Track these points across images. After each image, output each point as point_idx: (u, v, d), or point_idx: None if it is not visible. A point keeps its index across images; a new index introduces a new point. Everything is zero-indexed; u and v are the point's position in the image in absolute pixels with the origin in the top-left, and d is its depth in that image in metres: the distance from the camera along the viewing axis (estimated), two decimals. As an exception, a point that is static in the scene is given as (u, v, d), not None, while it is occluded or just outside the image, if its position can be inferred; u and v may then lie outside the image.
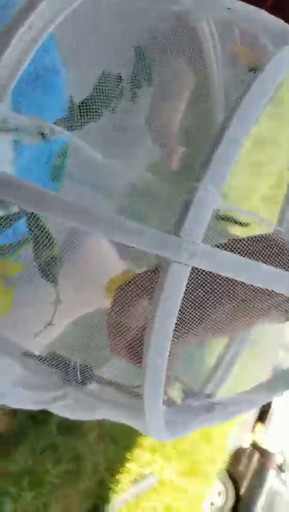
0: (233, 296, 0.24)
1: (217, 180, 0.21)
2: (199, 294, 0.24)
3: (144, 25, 0.42)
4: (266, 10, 0.34)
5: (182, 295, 0.22)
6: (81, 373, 0.41)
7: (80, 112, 0.43)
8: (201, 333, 0.26)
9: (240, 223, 0.38)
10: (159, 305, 0.23)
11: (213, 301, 0.25)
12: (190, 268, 0.22)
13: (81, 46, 0.43)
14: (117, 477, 1.55)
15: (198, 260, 0.22)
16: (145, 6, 0.40)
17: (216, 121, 0.45)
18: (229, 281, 0.24)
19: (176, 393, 0.37)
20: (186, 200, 0.22)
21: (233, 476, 2.33)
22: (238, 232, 0.40)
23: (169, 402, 0.35)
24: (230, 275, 0.22)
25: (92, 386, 0.42)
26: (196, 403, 0.36)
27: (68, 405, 0.41)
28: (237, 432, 2.35)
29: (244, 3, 0.31)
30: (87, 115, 0.42)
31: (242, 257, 0.22)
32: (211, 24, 0.40)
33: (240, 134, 0.21)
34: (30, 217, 0.42)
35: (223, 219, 0.35)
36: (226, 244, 0.23)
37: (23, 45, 0.25)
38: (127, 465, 1.62)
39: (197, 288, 0.24)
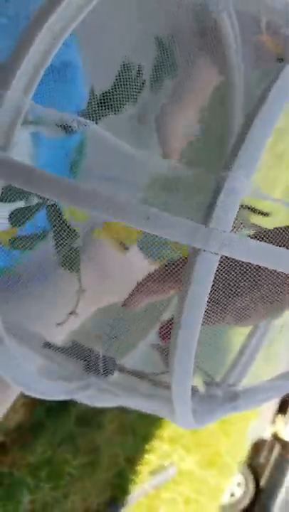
0: (262, 283, 0.25)
1: (247, 167, 0.21)
2: (227, 282, 0.24)
3: (165, 17, 0.42)
4: None
5: (211, 283, 0.23)
6: (103, 363, 0.42)
7: (101, 104, 0.43)
8: (228, 320, 0.27)
9: (262, 213, 0.38)
10: (188, 294, 0.23)
11: (242, 289, 0.25)
12: (219, 257, 0.22)
13: (101, 39, 0.43)
14: (136, 468, 1.56)
15: (228, 249, 0.22)
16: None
17: (237, 114, 0.45)
18: (258, 269, 0.24)
19: (198, 382, 0.37)
20: (216, 189, 0.22)
21: (253, 468, 2.34)
22: (258, 221, 0.40)
23: (193, 391, 0.35)
24: (259, 263, 0.22)
25: (115, 376, 0.42)
26: (220, 392, 0.36)
27: (91, 395, 0.42)
28: (257, 423, 2.35)
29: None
30: (108, 107, 0.42)
31: (271, 245, 0.22)
32: (232, 16, 0.39)
33: (270, 122, 0.21)
34: (51, 209, 0.43)
35: (245, 208, 0.35)
36: (253, 234, 0.23)
37: (48, 40, 0.26)
38: (146, 456, 1.63)
39: (225, 276, 0.24)
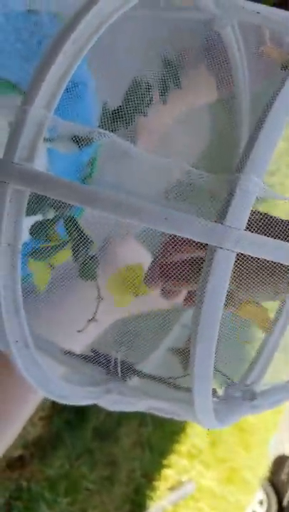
0: (277, 280, 0.26)
1: (258, 168, 0.23)
2: (244, 278, 0.25)
3: (170, 33, 0.44)
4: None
5: (229, 280, 0.24)
6: (122, 368, 0.43)
7: (113, 119, 0.45)
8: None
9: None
10: (206, 292, 0.24)
11: (257, 285, 0.26)
12: (235, 254, 0.23)
13: (109, 57, 0.45)
14: (153, 484, 1.54)
15: (243, 246, 0.23)
16: (171, 15, 0.42)
17: (244, 121, 0.46)
18: (273, 265, 0.25)
19: (217, 385, 0.38)
20: (230, 190, 0.23)
21: (275, 485, 2.28)
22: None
23: (213, 393, 0.36)
24: (274, 259, 0.23)
25: (134, 380, 0.43)
26: (238, 393, 0.37)
27: (111, 399, 0.43)
28: (279, 438, 2.31)
29: (269, 6, 0.33)
30: (120, 122, 0.44)
31: (285, 242, 0.23)
32: (236, 29, 0.41)
33: (278, 125, 0.23)
34: (68, 220, 0.45)
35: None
36: (267, 229, 0.25)
37: (67, 60, 0.27)
38: (164, 471, 1.61)
39: (241, 273, 0.25)
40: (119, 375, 0.43)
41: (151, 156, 0.25)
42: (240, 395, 0.36)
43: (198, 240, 0.23)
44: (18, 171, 0.26)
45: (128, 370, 0.43)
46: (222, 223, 0.23)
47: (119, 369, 0.43)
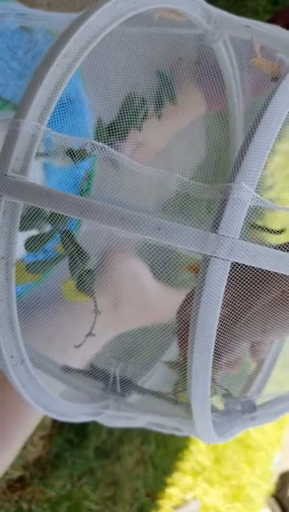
0: (272, 288, 0.25)
1: (250, 177, 0.23)
2: (238, 288, 0.25)
3: (164, 50, 0.44)
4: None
5: (223, 290, 0.24)
6: (121, 384, 0.42)
7: (108, 133, 0.45)
8: (242, 328, 0.27)
9: (273, 231, 0.39)
10: (201, 302, 0.24)
11: (253, 294, 0.26)
12: (230, 263, 0.23)
13: (104, 71, 0.46)
14: (158, 503, 1.51)
15: (238, 255, 0.23)
16: (164, 31, 0.43)
17: (238, 133, 0.47)
18: (268, 274, 0.25)
19: (217, 399, 0.37)
20: (222, 199, 0.23)
21: (280, 501, 2.24)
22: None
23: (212, 407, 0.35)
24: (269, 268, 0.23)
25: (133, 396, 0.42)
26: (238, 407, 0.36)
27: (110, 415, 0.42)
28: (283, 455, 2.27)
29: (259, 21, 0.33)
30: (115, 135, 0.45)
31: (279, 251, 0.23)
32: (228, 43, 0.42)
33: (268, 136, 0.23)
34: (65, 234, 0.45)
35: (256, 228, 0.36)
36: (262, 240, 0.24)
37: (58, 73, 0.28)
38: (168, 490, 1.59)
39: (235, 282, 0.25)
40: (118, 391, 0.42)
41: (145, 167, 0.25)
42: (240, 408, 0.36)
43: (191, 249, 0.23)
44: (11, 184, 0.26)
45: (127, 385, 0.42)
46: (215, 232, 0.23)
47: (118, 385, 0.42)
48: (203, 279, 0.23)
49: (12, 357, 0.31)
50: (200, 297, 0.24)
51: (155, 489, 1.51)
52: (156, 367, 0.46)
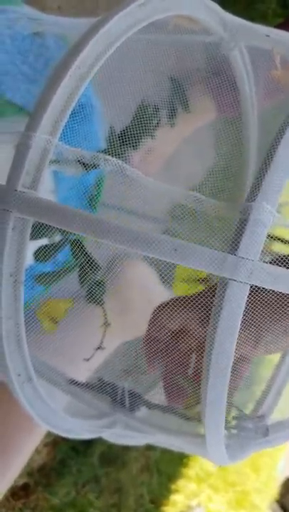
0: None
1: (271, 198, 0.22)
2: (257, 311, 0.24)
3: (178, 57, 0.43)
4: None
5: (242, 314, 0.22)
6: (130, 398, 0.41)
7: (121, 141, 0.44)
8: (259, 349, 0.26)
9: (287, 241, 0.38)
10: (218, 325, 0.23)
11: (272, 318, 0.25)
12: (249, 286, 0.22)
13: (117, 78, 0.45)
14: (162, 509, 1.50)
15: (258, 278, 0.22)
16: (179, 38, 0.42)
17: (252, 147, 0.45)
18: (287, 297, 0.24)
19: (228, 416, 0.36)
20: (242, 219, 0.22)
21: (285, 507, 2.23)
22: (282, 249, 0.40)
23: (225, 425, 0.34)
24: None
25: (142, 411, 0.41)
26: (250, 425, 0.35)
27: (117, 433, 0.41)
28: (287, 461, 2.26)
29: (279, 30, 0.32)
30: (127, 143, 0.44)
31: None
32: (244, 52, 0.41)
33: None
34: (75, 244, 0.44)
35: (273, 238, 0.35)
36: (279, 260, 0.23)
37: (72, 85, 0.27)
38: (173, 496, 1.57)
39: (254, 305, 0.24)
40: (127, 405, 0.41)
41: (160, 184, 0.24)
42: (252, 426, 0.35)
43: (209, 271, 0.22)
44: (21, 199, 0.25)
45: (136, 400, 0.41)
46: (234, 254, 0.22)
47: (126, 399, 0.41)
48: (221, 303, 0.22)
49: (19, 375, 0.30)
50: (217, 321, 0.23)
51: (160, 496, 1.50)
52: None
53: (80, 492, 1.15)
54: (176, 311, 0.31)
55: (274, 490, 2.19)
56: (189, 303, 0.30)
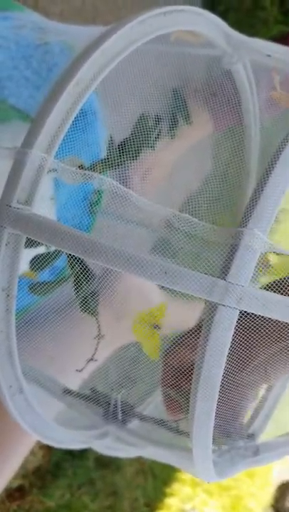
0: (281, 337, 0.24)
1: (263, 224, 0.22)
2: (245, 336, 0.24)
3: (180, 69, 0.43)
4: None
5: (230, 339, 0.22)
6: (122, 410, 0.41)
7: (119, 152, 0.44)
8: (247, 375, 0.26)
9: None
10: (206, 350, 0.23)
11: (260, 343, 0.25)
12: (238, 312, 0.22)
13: (120, 89, 0.45)
14: (157, 513, 1.50)
15: (247, 304, 0.22)
16: (181, 50, 0.42)
17: (251, 167, 0.45)
18: (277, 323, 0.24)
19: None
20: (233, 244, 0.22)
21: None
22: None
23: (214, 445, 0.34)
24: (280, 317, 0.22)
25: (134, 423, 0.41)
26: (241, 444, 0.35)
27: (109, 444, 0.41)
28: (282, 465, 2.25)
29: (282, 46, 0.32)
30: (126, 154, 0.44)
31: (290, 299, 0.22)
32: (248, 68, 0.41)
33: (284, 180, 0.22)
34: (71, 254, 0.44)
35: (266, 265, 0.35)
36: (269, 285, 0.23)
37: (70, 100, 0.27)
38: (167, 500, 1.57)
39: (243, 331, 0.23)
40: (120, 417, 0.41)
41: (154, 205, 0.24)
42: (242, 445, 0.35)
43: (198, 296, 0.22)
44: (14, 215, 0.25)
45: (128, 411, 0.41)
46: (224, 279, 0.22)
47: (119, 411, 0.41)
48: (209, 327, 0.22)
49: (11, 387, 0.30)
50: (205, 346, 0.23)
51: (154, 499, 1.50)
52: (156, 393, 0.45)
53: (75, 495, 1.15)
54: (184, 350, 0.31)
55: (269, 495, 2.19)
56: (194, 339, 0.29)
